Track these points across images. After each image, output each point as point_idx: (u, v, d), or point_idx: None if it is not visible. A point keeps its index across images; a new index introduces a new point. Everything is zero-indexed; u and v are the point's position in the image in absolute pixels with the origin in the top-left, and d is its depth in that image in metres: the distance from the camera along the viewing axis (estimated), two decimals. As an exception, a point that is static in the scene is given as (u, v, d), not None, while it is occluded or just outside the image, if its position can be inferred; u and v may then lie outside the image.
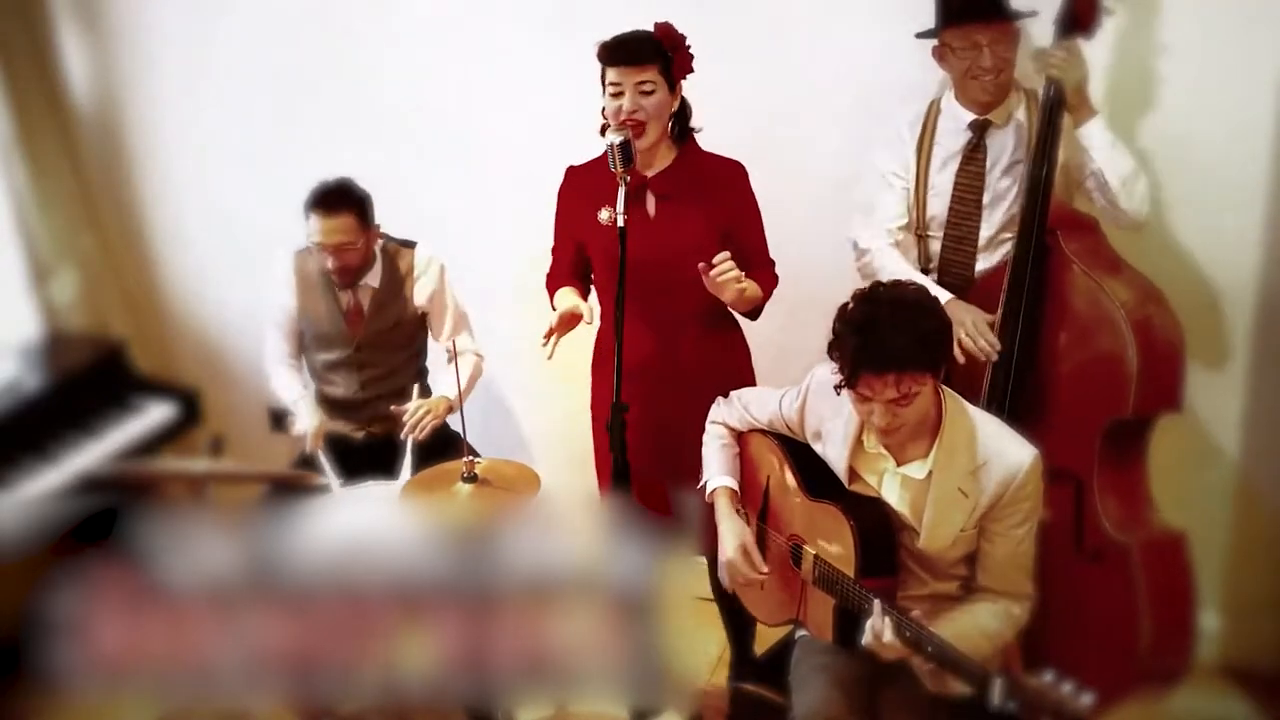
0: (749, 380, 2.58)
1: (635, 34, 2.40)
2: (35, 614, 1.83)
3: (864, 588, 2.04)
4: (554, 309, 2.50)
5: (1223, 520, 2.83)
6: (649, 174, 2.49)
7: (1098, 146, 2.37)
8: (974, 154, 2.53)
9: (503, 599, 1.86)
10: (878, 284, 2.02)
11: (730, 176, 2.50)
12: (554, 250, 2.67)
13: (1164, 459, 2.50)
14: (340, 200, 2.70)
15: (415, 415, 2.72)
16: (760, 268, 2.50)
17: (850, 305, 1.97)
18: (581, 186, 2.56)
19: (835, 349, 1.96)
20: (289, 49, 3.26)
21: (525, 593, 1.86)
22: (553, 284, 2.65)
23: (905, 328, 1.89)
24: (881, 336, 1.88)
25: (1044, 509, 2.08)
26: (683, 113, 2.48)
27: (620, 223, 2.25)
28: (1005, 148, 2.51)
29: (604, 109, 2.43)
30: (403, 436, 2.72)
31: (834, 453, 2.15)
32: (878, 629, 1.91)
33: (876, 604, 1.93)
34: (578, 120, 2.55)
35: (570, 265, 2.64)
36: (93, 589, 1.84)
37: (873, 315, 1.91)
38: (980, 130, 2.52)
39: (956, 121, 2.54)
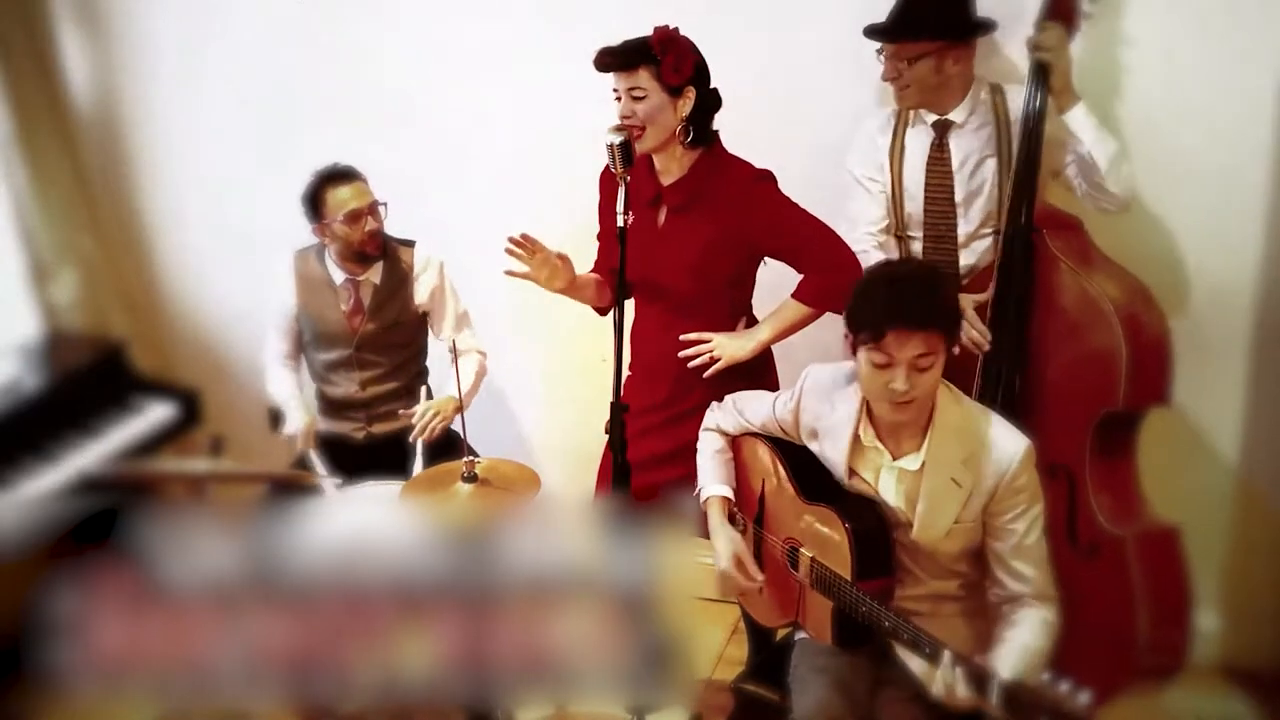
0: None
1: (630, 40, 2.38)
2: (35, 614, 1.83)
3: (861, 589, 2.04)
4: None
5: (1222, 520, 2.83)
6: (665, 181, 2.48)
7: (1086, 129, 2.39)
8: (939, 154, 2.55)
9: (503, 599, 1.86)
10: (888, 260, 2.08)
11: (751, 189, 2.44)
12: (599, 243, 2.69)
13: (1163, 459, 2.51)
14: (349, 171, 2.79)
15: (424, 418, 2.73)
16: (820, 270, 2.45)
17: (870, 273, 2.07)
18: (612, 182, 2.55)
19: (859, 310, 1.98)
20: (288, 49, 3.26)
21: (525, 593, 1.86)
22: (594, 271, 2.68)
23: (932, 287, 1.98)
24: (912, 292, 1.94)
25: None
26: (700, 117, 2.43)
27: (621, 222, 2.24)
28: (972, 146, 2.53)
29: None
30: (412, 439, 2.73)
31: (832, 449, 2.15)
32: (949, 682, 1.86)
33: (947, 655, 1.87)
34: (580, 121, 2.55)
35: (607, 261, 2.64)
36: (93, 589, 1.84)
37: (901, 274, 2.02)
38: (942, 130, 2.54)
39: (921, 122, 2.57)
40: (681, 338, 2.52)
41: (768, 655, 2.68)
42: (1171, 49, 2.57)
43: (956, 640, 1.99)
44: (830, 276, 2.44)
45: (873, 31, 2.49)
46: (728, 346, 2.50)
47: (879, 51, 2.52)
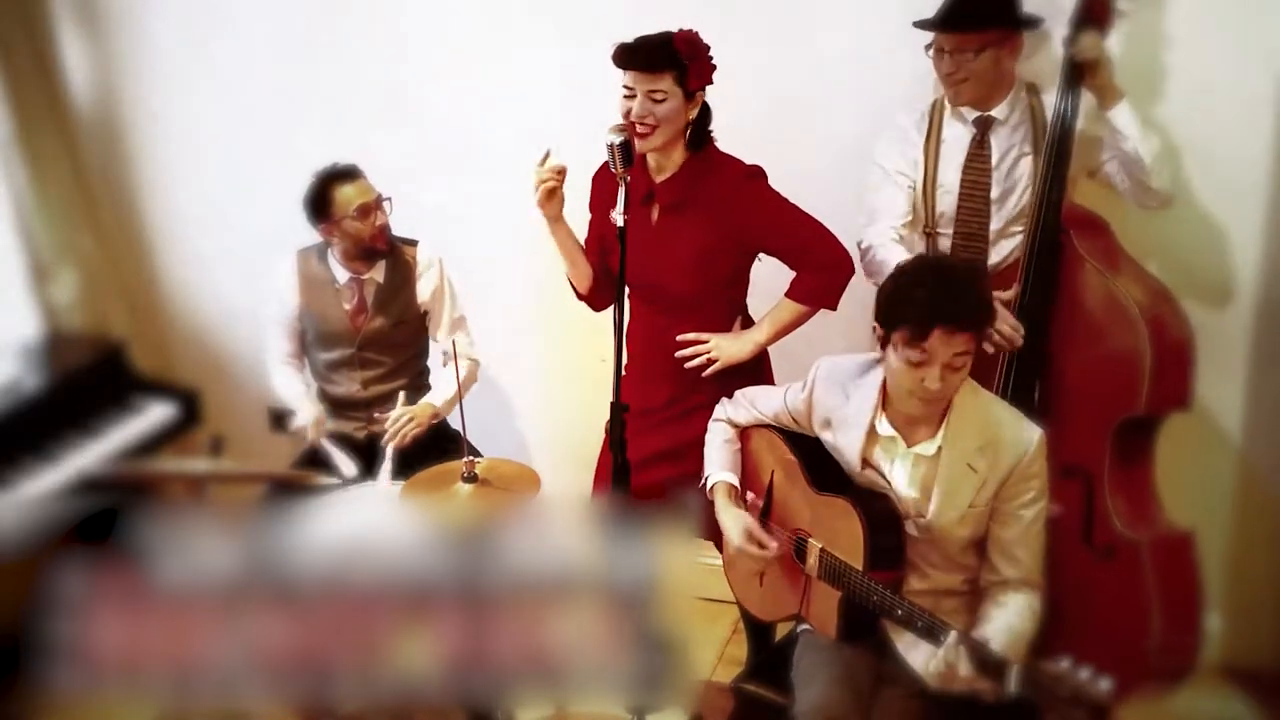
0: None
1: (653, 39, 2.37)
2: (35, 614, 1.83)
3: (872, 580, 2.04)
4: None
5: (1224, 520, 2.83)
6: (658, 179, 2.48)
7: (1131, 126, 2.38)
8: (979, 150, 2.54)
9: (503, 599, 1.86)
10: (926, 254, 2.05)
11: (744, 186, 2.44)
12: (587, 240, 2.69)
13: (1166, 459, 2.51)
14: (352, 169, 2.80)
15: (398, 423, 2.74)
16: (814, 269, 2.46)
17: (911, 268, 2.02)
18: (607, 181, 2.56)
19: (900, 306, 1.96)
20: (289, 49, 3.26)
21: (525, 593, 1.86)
22: None
23: (974, 286, 1.97)
24: (960, 290, 1.93)
25: (1055, 505, 2.09)
26: (702, 120, 2.44)
27: (620, 222, 2.24)
28: (1010, 142, 2.52)
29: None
30: (383, 444, 2.74)
31: (846, 440, 2.16)
32: (951, 661, 1.85)
33: (953, 634, 1.88)
34: (581, 118, 2.55)
35: (597, 258, 2.64)
36: (93, 589, 1.84)
37: (946, 272, 1.97)
38: (984, 126, 2.53)
39: (961, 118, 2.55)
40: (679, 338, 2.52)
41: (768, 655, 2.67)
42: (1171, 48, 2.57)
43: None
44: (824, 275, 2.45)
45: (937, 23, 2.44)
46: (726, 348, 2.50)
47: (928, 46, 2.48)
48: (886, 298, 1.99)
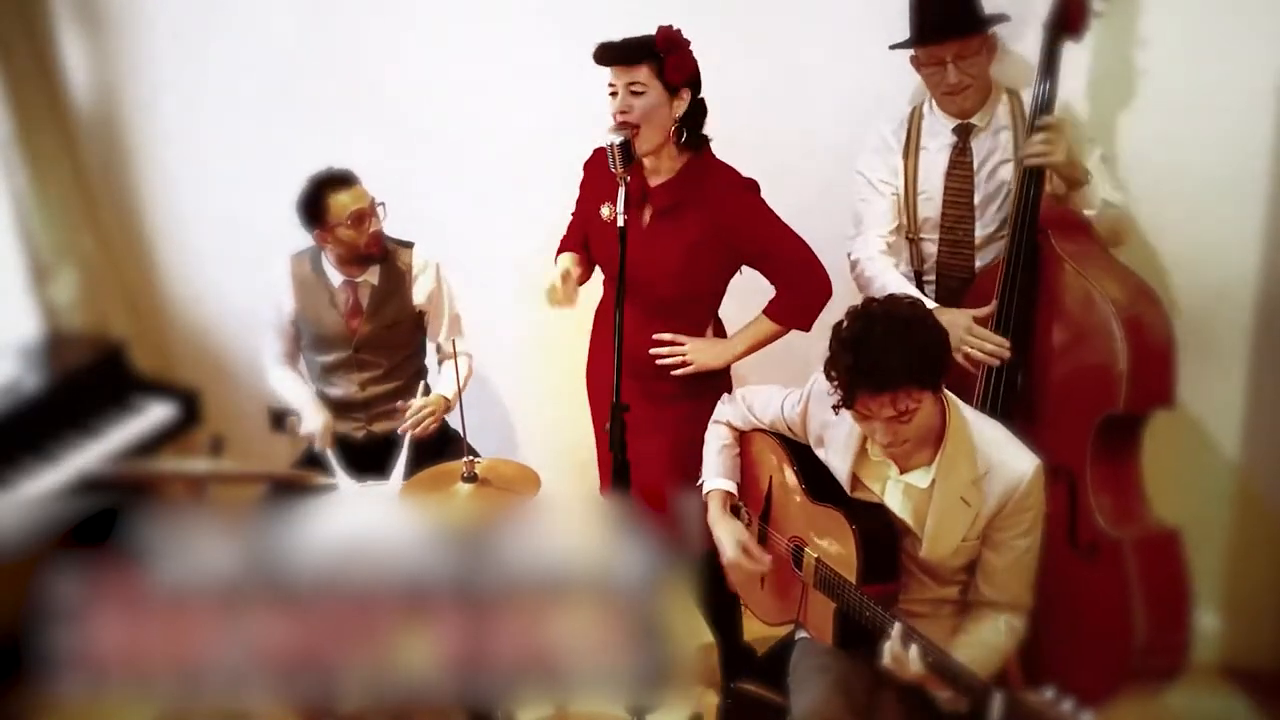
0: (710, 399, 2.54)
1: (633, 37, 2.38)
2: (35, 614, 1.83)
3: (865, 594, 2.03)
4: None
5: (1222, 520, 2.83)
6: (653, 182, 2.48)
7: (1100, 203, 2.41)
8: (960, 158, 2.54)
9: (503, 599, 1.86)
10: (870, 300, 2.01)
11: (737, 196, 2.45)
12: (571, 219, 2.68)
13: (1164, 459, 2.51)
14: (346, 174, 2.78)
15: (419, 414, 2.74)
16: (793, 288, 2.49)
17: (844, 324, 1.96)
18: (600, 171, 2.56)
19: (831, 368, 1.95)
20: (289, 49, 3.26)
21: (525, 593, 1.86)
22: (561, 248, 2.69)
23: (899, 345, 1.88)
24: (875, 355, 1.87)
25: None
26: (693, 119, 2.45)
27: (620, 222, 2.24)
28: (992, 148, 2.53)
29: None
30: (401, 431, 2.74)
31: (837, 460, 2.15)
32: (897, 653, 1.88)
33: (898, 627, 1.89)
34: (579, 120, 2.56)
35: (579, 240, 2.67)
36: (93, 589, 1.84)
37: (866, 333, 1.90)
38: (964, 134, 2.53)
39: (941, 126, 2.55)
40: (655, 337, 2.52)
41: (767, 656, 2.68)
42: (1171, 48, 2.57)
43: (948, 636, 2.00)
44: (802, 296, 2.48)
45: (944, 32, 2.43)
46: (702, 354, 2.53)
47: (914, 57, 2.49)
48: (828, 356, 1.96)
